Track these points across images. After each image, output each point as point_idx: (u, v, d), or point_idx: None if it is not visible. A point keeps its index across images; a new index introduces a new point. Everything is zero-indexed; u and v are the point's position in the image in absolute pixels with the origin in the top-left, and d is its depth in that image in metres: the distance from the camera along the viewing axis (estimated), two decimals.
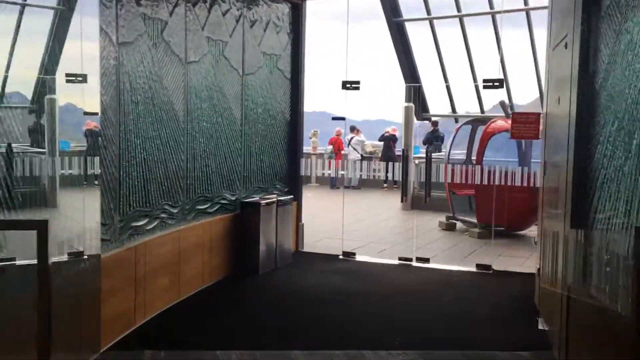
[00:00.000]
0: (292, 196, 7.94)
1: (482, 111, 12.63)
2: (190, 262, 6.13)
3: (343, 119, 8.23)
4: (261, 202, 7.15)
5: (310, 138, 19.13)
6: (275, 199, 7.42)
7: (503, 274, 7.43)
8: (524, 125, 7.14)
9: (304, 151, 19.26)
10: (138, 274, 5.11)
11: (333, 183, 17.08)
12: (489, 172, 8.00)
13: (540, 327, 5.35)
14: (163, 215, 5.67)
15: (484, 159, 9.89)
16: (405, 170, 7.96)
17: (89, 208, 3.88)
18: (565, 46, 4.60)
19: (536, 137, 7.20)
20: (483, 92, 12.64)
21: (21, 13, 4.10)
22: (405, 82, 12.65)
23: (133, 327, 5.04)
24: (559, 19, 5.25)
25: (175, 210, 5.89)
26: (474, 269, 7.56)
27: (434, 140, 15.84)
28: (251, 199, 7.29)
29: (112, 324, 4.69)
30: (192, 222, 6.23)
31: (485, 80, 7.41)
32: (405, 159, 8.06)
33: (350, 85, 8.08)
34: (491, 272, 7.48)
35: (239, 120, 7.13)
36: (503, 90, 12.24)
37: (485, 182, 8.02)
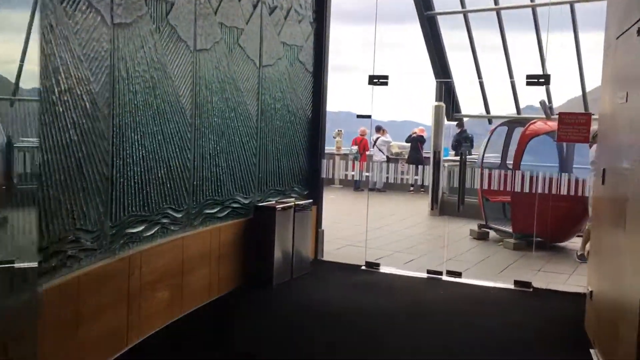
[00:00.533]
0: (311, 200, 7.27)
1: (518, 111, 11.78)
2: (196, 272, 5.50)
3: (369, 116, 7.54)
4: (277, 206, 6.49)
5: (335, 138, 18.46)
6: (292, 204, 6.76)
7: (544, 293, 6.65)
8: (573, 127, 6.37)
9: (327, 151, 18.66)
10: (132, 288, 4.50)
11: (357, 185, 16.38)
12: (528, 178, 7.24)
13: (594, 359, 4.60)
14: (165, 220, 5.05)
15: (521, 163, 9.09)
16: (436, 175, 7.23)
17: (27, 217, 3.24)
18: (638, 32, 3.84)
19: (586, 140, 6.42)
20: (520, 91, 11.80)
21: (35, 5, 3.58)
22: (436, 78, 11.87)
23: (125, 348, 4.42)
24: (624, 4, 4.49)
25: (179, 215, 5.27)
26: (511, 286, 6.79)
27: (462, 142, 15.04)
28: (266, 203, 6.64)
29: (97, 346, 4.07)
30: (198, 227, 5.60)
31: (529, 77, 6.65)
32: (436, 162, 7.33)
33: (377, 80, 7.39)
34: (531, 289, 6.71)
35: (255, 116, 6.49)
36: (542, 89, 11.41)
37: (525, 189, 7.25)
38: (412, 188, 15.61)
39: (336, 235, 9.59)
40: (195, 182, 5.51)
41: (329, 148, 18.98)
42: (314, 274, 7.12)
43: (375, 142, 16.85)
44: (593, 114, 6.34)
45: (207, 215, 5.75)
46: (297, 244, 6.85)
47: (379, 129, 17.09)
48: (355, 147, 17.09)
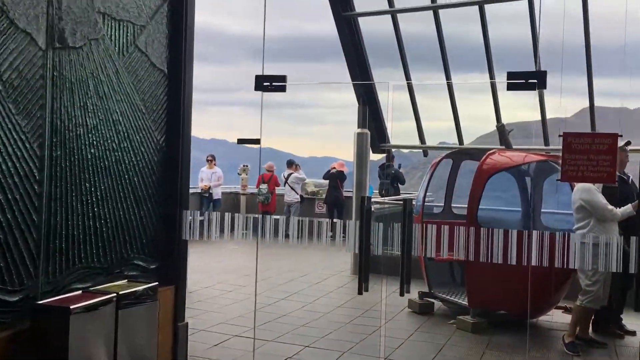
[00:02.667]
0: (156, 283, 4.27)
1: (460, 139, 9.35)
2: None
3: (256, 142, 4.69)
4: (73, 305, 3.47)
5: (240, 174, 15.56)
6: (113, 295, 3.76)
7: None
8: (588, 157, 3.82)
9: (232, 190, 15.66)
10: None
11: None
12: (500, 237, 4.56)
13: None
14: None
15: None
16: (365, 233, 4.46)
17: None
18: None
19: (611, 179, 3.87)
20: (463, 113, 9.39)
21: None
22: (353, 81, 9.19)
23: None
24: None
25: None
26: None
27: (383, 178, 12.61)
28: (56, 298, 3.61)
29: None
30: None
31: (511, 75, 4.07)
32: (365, 212, 4.57)
33: (270, 84, 4.61)
34: None
35: (36, 138, 3.51)
36: (487, 114, 9.06)
37: (493, 256, 4.54)
38: (331, 233, 12.96)
39: (222, 317, 6.63)
40: None
41: (231, 187, 16.18)
42: None
43: (286, 179, 14.11)
44: (620, 135, 3.83)
45: None
46: None
47: (290, 164, 14.41)
48: (264, 187, 14.20)
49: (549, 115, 8.91)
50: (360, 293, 4.44)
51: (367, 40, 9.10)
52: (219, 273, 9.18)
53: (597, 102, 8.66)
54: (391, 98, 4.66)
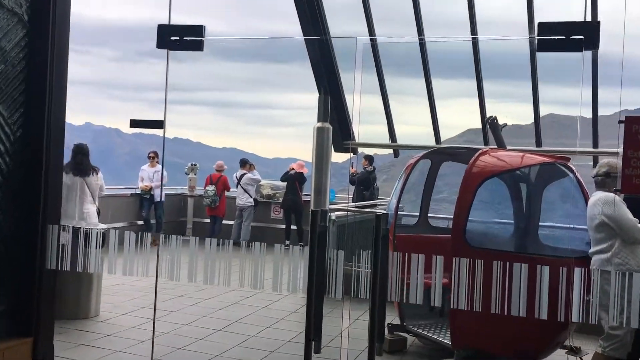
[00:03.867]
0: None
1: (437, 135, 7.91)
2: None
3: (157, 125, 3.16)
4: None
5: (187, 174, 13.92)
6: None
7: None
8: None
9: (177, 192, 14.01)
10: None
11: (214, 237, 11.86)
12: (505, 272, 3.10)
13: None
14: None
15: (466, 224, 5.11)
16: (318, 258, 2.98)
17: None
18: None
19: None
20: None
21: None
22: (305, 35, 7.67)
23: None
24: None
25: None
26: None
27: (373, 182, 11.42)
28: None
29: None
30: None
31: (545, 29, 2.64)
32: (320, 235, 3.07)
33: (179, 38, 3.08)
34: None
35: None
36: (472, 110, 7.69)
37: (498, 304, 3.11)
38: (287, 242, 11.54)
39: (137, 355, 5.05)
40: None
41: (174, 187, 14.54)
42: None
43: (239, 179, 12.55)
44: None
45: None
46: None
47: (244, 164, 12.85)
48: (211, 188, 12.60)
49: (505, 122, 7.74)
50: (307, 358, 2.92)
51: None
52: (147, 293, 7.56)
53: (555, 110, 7.76)
54: (360, 61, 3.32)
